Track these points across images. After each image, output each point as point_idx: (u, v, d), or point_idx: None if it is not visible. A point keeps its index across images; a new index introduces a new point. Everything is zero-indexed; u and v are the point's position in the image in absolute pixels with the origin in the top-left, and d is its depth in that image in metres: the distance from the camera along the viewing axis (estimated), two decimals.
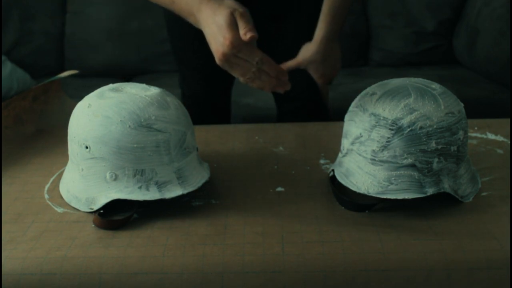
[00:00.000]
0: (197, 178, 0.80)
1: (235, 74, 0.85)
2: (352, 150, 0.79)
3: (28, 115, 1.08)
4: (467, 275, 0.66)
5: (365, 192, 0.76)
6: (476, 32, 2.01)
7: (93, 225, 0.75)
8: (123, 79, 2.13)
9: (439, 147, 0.74)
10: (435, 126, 0.73)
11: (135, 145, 0.74)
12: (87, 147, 0.76)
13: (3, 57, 1.94)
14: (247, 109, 1.82)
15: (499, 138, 1.00)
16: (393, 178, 0.75)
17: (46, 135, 1.06)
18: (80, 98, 0.83)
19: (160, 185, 0.76)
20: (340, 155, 0.84)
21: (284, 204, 0.80)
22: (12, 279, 0.66)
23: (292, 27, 1.24)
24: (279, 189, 0.85)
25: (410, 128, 0.73)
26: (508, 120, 1.07)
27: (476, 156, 0.92)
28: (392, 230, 0.72)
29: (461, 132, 0.76)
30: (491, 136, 1.01)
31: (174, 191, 0.77)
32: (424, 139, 0.73)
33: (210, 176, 0.85)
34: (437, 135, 0.74)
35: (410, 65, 2.20)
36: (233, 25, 0.80)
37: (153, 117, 0.75)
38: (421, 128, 0.73)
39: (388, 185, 0.75)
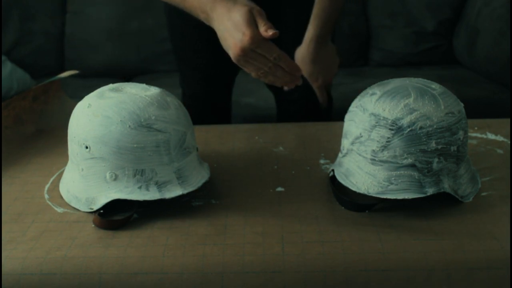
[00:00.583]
0: (197, 178, 0.80)
1: (249, 69, 0.86)
2: (352, 150, 0.79)
3: (28, 115, 1.08)
4: (467, 275, 0.66)
5: (365, 192, 0.76)
6: (476, 32, 2.01)
7: (93, 225, 0.75)
8: (123, 79, 2.13)
9: (439, 147, 0.74)
10: (435, 126, 0.73)
11: (135, 145, 0.74)
12: (87, 147, 0.76)
13: (3, 57, 1.93)
14: (247, 109, 1.82)
15: (499, 138, 1.00)
16: (393, 178, 0.75)
17: (46, 135, 1.06)
18: (80, 98, 0.83)
19: (160, 185, 0.76)
20: (340, 155, 0.84)
21: (284, 204, 0.80)
22: (12, 279, 0.66)
23: (291, 27, 1.24)
24: (279, 189, 0.85)
25: (410, 128, 0.73)
26: (508, 120, 1.07)
27: (476, 156, 0.92)
28: (392, 230, 0.72)
29: (461, 132, 0.76)
30: (491, 136, 1.01)
31: (174, 191, 0.77)
32: (424, 139, 0.73)
33: (210, 176, 0.85)
34: (437, 135, 0.74)
35: (410, 65, 2.20)
36: (252, 22, 0.81)
37: (153, 117, 0.75)
38: (421, 128, 0.73)
39: (388, 185, 0.75)
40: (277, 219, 0.76)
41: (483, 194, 0.81)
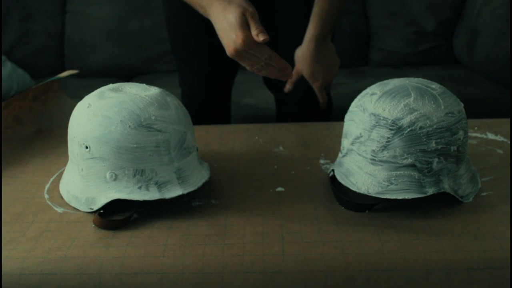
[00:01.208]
0: (197, 178, 0.80)
1: (244, 64, 0.90)
2: (352, 150, 0.79)
3: (28, 115, 1.08)
4: (467, 275, 0.66)
5: (365, 192, 0.77)
6: (476, 32, 2.01)
7: (93, 225, 0.75)
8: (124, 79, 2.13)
9: (439, 147, 0.74)
10: (435, 126, 0.73)
11: (135, 145, 0.74)
12: (87, 147, 0.76)
13: (3, 57, 1.94)
14: (247, 109, 1.82)
15: (499, 138, 1.00)
16: (393, 178, 0.75)
17: (46, 135, 1.06)
18: (80, 98, 0.83)
19: (160, 185, 0.76)
20: (340, 155, 0.84)
21: (284, 204, 0.80)
22: (12, 279, 0.66)
23: (290, 26, 1.24)
24: (279, 189, 0.85)
25: (410, 128, 0.73)
26: (508, 120, 1.07)
27: (476, 156, 0.92)
28: (392, 230, 0.72)
29: (461, 132, 0.76)
30: (491, 136, 1.01)
31: (174, 191, 0.77)
32: (424, 139, 0.73)
33: (210, 176, 0.85)
34: (437, 135, 0.74)
35: (410, 65, 2.20)
36: (244, 25, 0.85)
37: (153, 117, 0.75)
38: (421, 128, 0.73)
39: (388, 185, 0.75)
40: (277, 219, 0.76)
41: (483, 194, 0.81)
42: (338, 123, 1.06)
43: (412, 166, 0.74)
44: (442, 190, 0.75)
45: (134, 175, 0.76)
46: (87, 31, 2.22)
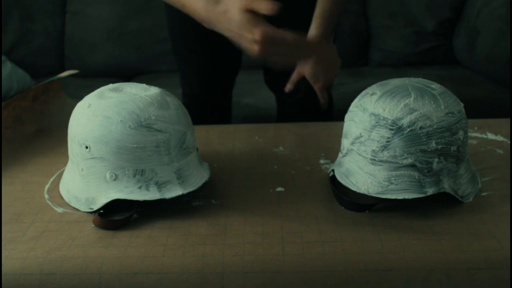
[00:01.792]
0: (197, 178, 0.80)
1: (276, 61, 0.87)
2: (352, 150, 0.79)
3: (28, 115, 1.08)
4: (467, 275, 0.66)
5: (365, 192, 0.76)
6: (476, 32, 2.01)
7: (93, 225, 0.75)
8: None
9: (439, 147, 0.74)
10: (435, 126, 0.73)
11: (135, 145, 0.74)
12: (87, 147, 0.76)
13: (3, 57, 1.94)
14: (247, 109, 1.82)
15: (499, 138, 1.00)
16: (393, 178, 0.75)
17: (46, 135, 1.06)
18: (80, 98, 0.83)
19: (160, 185, 0.76)
20: (340, 155, 0.84)
21: (284, 204, 0.80)
22: (12, 279, 0.66)
23: (293, 27, 1.24)
24: (279, 189, 0.85)
25: (410, 128, 0.73)
26: (508, 120, 1.07)
27: (476, 156, 0.92)
28: (392, 230, 0.72)
29: (461, 132, 0.76)
30: (491, 136, 1.01)
31: (174, 191, 0.77)
32: (424, 139, 0.73)
33: (210, 176, 0.85)
34: (437, 135, 0.74)
35: (410, 65, 2.20)
36: (253, 20, 0.81)
37: (153, 117, 0.75)
38: (421, 128, 0.73)
39: (388, 185, 0.75)
40: (277, 219, 0.76)
41: (483, 194, 0.81)
42: (338, 123, 1.06)
43: (412, 166, 0.74)
44: (442, 190, 0.75)
45: (134, 175, 0.76)
46: (87, 31, 2.22)
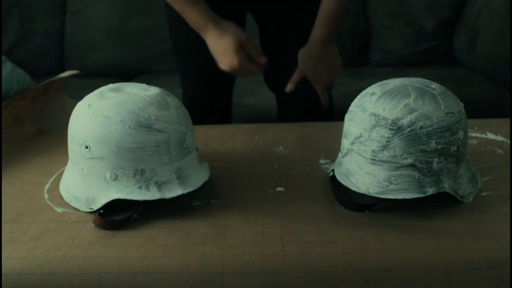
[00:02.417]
0: (197, 178, 0.80)
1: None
2: (352, 150, 0.79)
3: (28, 115, 1.08)
4: (467, 275, 0.66)
5: (365, 192, 0.76)
6: (476, 32, 2.01)
7: (93, 225, 0.75)
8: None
9: (439, 147, 0.74)
10: (435, 126, 0.73)
11: (135, 145, 0.74)
12: (87, 147, 0.76)
13: (3, 57, 1.94)
14: (247, 109, 1.82)
15: (499, 138, 1.00)
16: (393, 178, 0.75)
17: (46, 135, 1.06)
18: (80, 98, 0.83)
19: (160, 185, 0.76)
20: (340, 155, 0.84)
21: (284, 204, 0.80)
22: (12, 279, 0.66)
23: (294, 27, 1.24)
24: (279, 189, 0.85)
25: (410, 128, 0.73)
26: (508, 120, 1.07)
27: (476, 156, 0.92)
28: (392, 230, 0.72)
29: (461, 132, 0.76)
30: (491, 136, 1.01)
31: (174, 191, 0.77)
32: (424, 139, 0.73)
33: (210, 176, 0.85)
34: (437, 135, 0.74)
35: (410, 65, 2.20)
36: (239, 51, 1.06)
37: (153, 117, 0.75)
38: (421, 128, 0.73)
39: (388, 185, 0.75)
40: (277, 219, 0.76)
41: (483, 194, 0.81)
42: (338, 123, 1.06)
43: (412, 166, 0.74)
44: (442, 190, 0.75)
45: (134, 175, 0.76)
46: (87, 31, 2.22)
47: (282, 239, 0.71)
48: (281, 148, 1.00)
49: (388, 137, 0.74)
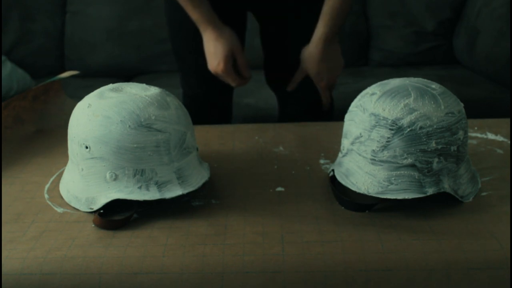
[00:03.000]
0: (197, 178, 0.80)
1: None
2: (352, 150, 0.79)
3: (28, 115, 1.08)
4: (467, 275, 0.66)
5: (365, 192, 0.77)
6: (476, 32, 2.01)
7: (93, 225, 0.75)
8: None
9: (439, 147, 0.74)
10: (435, 126, 0.74)
11: (135, 145, 0.74)
12: (87, 147, 0.76)
13: (3, 57, 1.94)
14: (247, 109, 1.82)
15: (499, 138, 1.00)
16: (393, 178, 0.75)
17: (46, 135, 1.06)
18: (80, 98, 0.83)
19: (160, 185, 0.76)
20: (340, 155, 0.84)
21: (284, 204, 0.80)
22: (12, 279, 0.66)
23: (295, 27, 1.24)
24: (279, 189, 0.85)
25: (410, 128, 0.73)
26: (508, 120, 1.07)
27: (476, 156, 0.92)
28: (392, 230, 0.72)
29: (461, 132, 0.76)
30: (491, 136, 1.01)
31: (174, 191, 0.77)
32: (424, 139, 0.73)
33: (210, 176, 0.85)
34: (437, 135, 0.74)
35: (410, 65, 2.20)
36: (228, 58, 1.12)
37: (153, 117, 0.75)
38: (421, 128, 0.73)
39: (388, 185, 0.75)
40: (277, 219, 0.76)
41: (483, 194, 0.81)
42: (338, 123, 1.06)
43: (412, 166, 0.74)
44: (442, 190, 0.75)
45: (134, 175, 0.76)
46: (87, 31, 2.22)
47: (282, 239, 0.71)
48: (281, 148, 1.00)
49: (388, 137, 0.74)
